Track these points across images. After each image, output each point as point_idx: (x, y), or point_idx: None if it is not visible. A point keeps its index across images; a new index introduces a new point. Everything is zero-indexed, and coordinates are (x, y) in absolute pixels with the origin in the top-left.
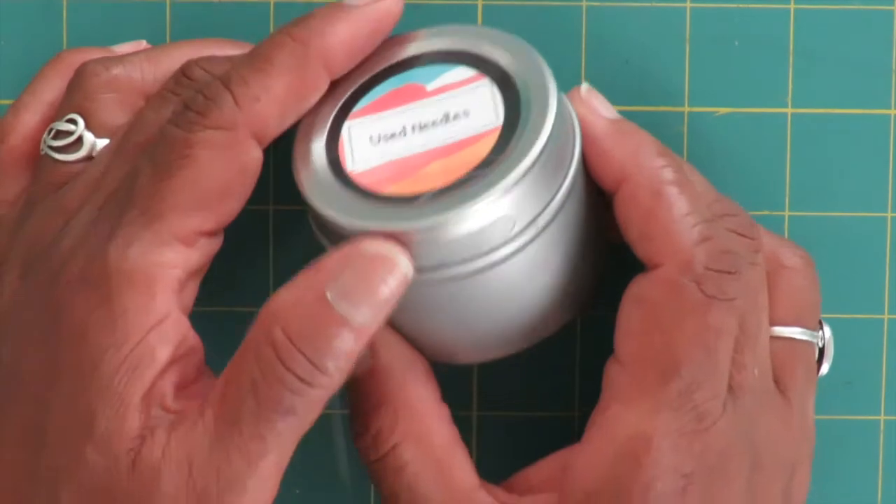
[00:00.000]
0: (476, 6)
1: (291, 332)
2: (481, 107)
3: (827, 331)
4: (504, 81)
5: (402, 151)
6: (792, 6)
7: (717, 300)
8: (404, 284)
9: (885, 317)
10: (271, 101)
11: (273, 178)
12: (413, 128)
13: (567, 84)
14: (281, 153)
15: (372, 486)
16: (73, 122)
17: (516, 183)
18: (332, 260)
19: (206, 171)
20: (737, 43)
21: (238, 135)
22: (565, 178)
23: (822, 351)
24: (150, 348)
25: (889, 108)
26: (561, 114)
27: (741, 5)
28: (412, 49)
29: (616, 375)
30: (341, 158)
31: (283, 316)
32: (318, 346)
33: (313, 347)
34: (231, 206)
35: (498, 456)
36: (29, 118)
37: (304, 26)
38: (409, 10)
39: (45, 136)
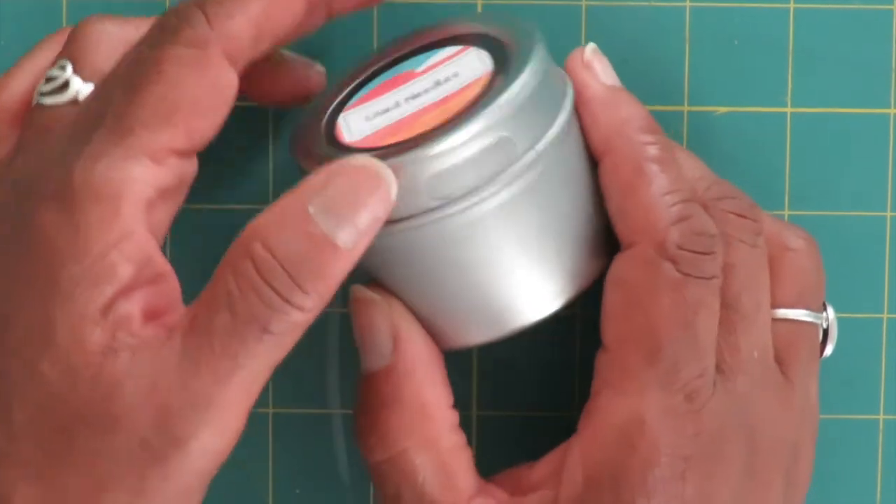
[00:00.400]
0: (475, 5)
1: (271, 245)
2: (470, 66)
3: (830, 312)
4: (491, 44)
5: (397, 117)
6: (792, 6)
7: (692, 277)
8: (388, 200)
9: (885, 316)
10: (245, 21)
11: (273, 178)
12: (406, 99)
13: None
14: (280, 156)
15: (372, 486)
16: (63, 67)
17: (510, 101)
18: (317, 175)
19: (175, 87)
20: (737, 42)
21: (209, 52)
22: (560, 108)
23: (825, 332)
24: (111, 264)
25: (889, 107)
26: (547, 53)
27: (741, 5)
28: (397, 50)
29: (603, 362)
30: (338, 136)
31: (263, 231)
32: (299, 262)
33: (293, 263)
34: (202, 126)
35: (498, 456)
36: (22, 80)
37: None
38: (409, 9)
39: (38, 86)
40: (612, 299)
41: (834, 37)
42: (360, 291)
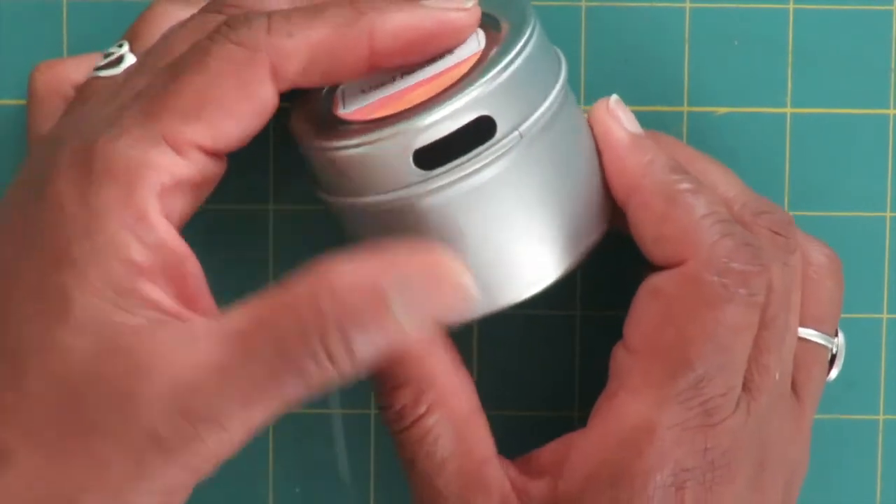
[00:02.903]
0: None
1: (340, 310)
2: (466, 44)
3: (841, 337)
4: (489, 23)
5: (390, 91)
6: (791, 6)
7: (737, 295)
8: (464, 308)
9: (885, 316)
10: (303, 44)
11: (273, 179)
12: (402, 74)
13: (570, 85)
14: (281, 156)
15: (372, 486)
16: (121, 45)
17: (491, 80)
18: (410, 261)
19: (212, 82)
20: (736, 43)
21: (256, 58)
22: (551, 88)
23: (832, 356)
24: (124, 244)
25: (888, 108)
26: (541, 34)
27: (741, 5)
28: None
29: (625, 363)
30: (334, 108)
31: (337, 290)
32: (360, 336)
33: (354, 334)
34: (229, 129)
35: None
36: (89, 61)
37: (369, 1)
38: None
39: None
40: (645, 307)
41: (834, 37)
42: None
